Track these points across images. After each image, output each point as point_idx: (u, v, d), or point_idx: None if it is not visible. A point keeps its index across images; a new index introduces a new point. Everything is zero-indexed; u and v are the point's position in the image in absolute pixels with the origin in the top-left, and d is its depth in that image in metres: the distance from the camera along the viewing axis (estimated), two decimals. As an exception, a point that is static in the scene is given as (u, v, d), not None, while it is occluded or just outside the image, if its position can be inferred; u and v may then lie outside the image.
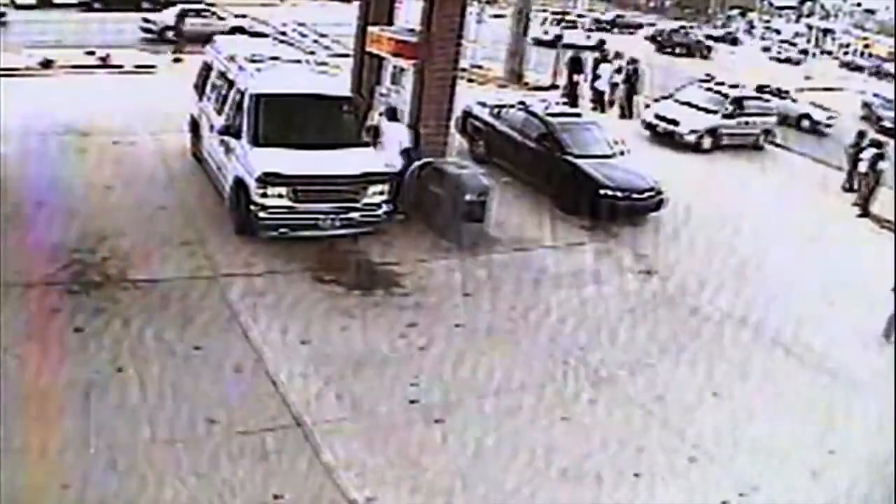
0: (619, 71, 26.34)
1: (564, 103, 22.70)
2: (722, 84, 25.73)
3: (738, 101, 23.82)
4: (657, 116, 23.14)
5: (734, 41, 58.25)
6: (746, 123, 23.63)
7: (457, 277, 12.21)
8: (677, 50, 47.63)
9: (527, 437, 8.66)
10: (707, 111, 23.08)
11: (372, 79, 15.57)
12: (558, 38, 38.38)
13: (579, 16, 49.70)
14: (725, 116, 23.05)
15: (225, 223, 12.74)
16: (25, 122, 16.12)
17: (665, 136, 22.35)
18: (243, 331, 9.93)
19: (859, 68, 53.42)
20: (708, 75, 38.64)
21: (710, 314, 12.06)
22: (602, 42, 39.55)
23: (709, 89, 24.86)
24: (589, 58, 27.87)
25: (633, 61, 27.54)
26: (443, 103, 14.13)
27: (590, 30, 46.04)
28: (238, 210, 12.45)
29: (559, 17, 46.83)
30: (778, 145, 24.95)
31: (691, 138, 22.30)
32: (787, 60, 52.67)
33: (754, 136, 24.02)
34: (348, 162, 12.69)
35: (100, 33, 27.43)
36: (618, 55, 28.23)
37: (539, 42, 37.87)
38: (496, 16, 38.22)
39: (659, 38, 49.07)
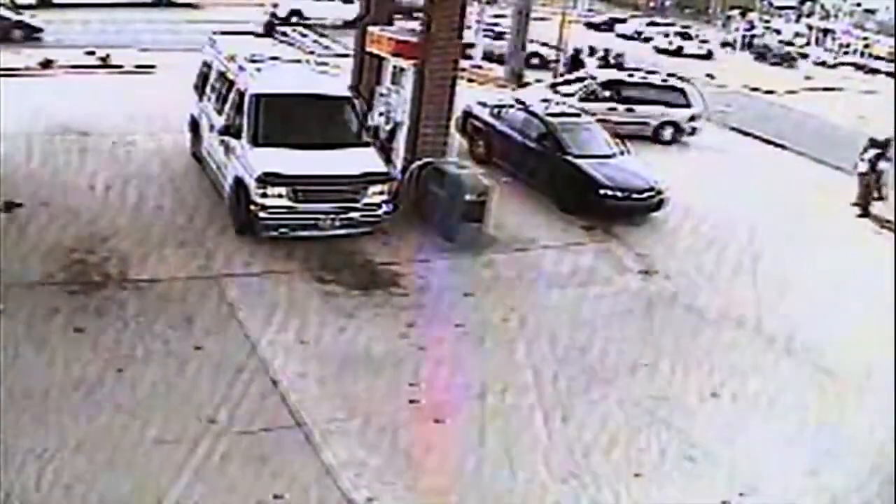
0: (606, 64, 26.88)
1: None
2: (618, 69, 24.39)
3: (610, 86, 21.96)
4: (515, 100, 20.74)
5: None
6: (628, 111, 21.43)
7: (457, 277, 12.20)
8: (772, 60, 51.03)
9: (526, 437, 8.66)
10: (565, 95, 21.36)
11: (372, 79, 15.56)
12: (680, 48, 46.66)
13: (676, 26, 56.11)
14: (582, 100, 20.98)
15: (225, 223, 12.74)
16: (25, 122, 16.12)
17: None
18: (243, 331, 9.93)
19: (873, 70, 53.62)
20: (708, 75, 38.91)
21: (710, 314, 12.06)
22: (710, 52, 45.10)
23: (593, 77, 23.02)
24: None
25: (619, 56, 28.22)
26: (443, 103, 14.12)
27: (704, 41, 51.61)
28: (238, 210, 12.45)
29: (680, 29, 54.06)
30: (748, 134, 24.44)
31: None
32: (822, 63, 53.99)
33: (650, 127, 21.72)
34: (348, 162, 12.69)
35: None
36: (607, 51, 29.01)
37: (662, 51, 45.91)
38: (496, 16, 38.32)
39: (758, 50, 53.84)
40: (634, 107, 21.76)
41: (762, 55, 52.33)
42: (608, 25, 54.84)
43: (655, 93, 22.60)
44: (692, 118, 22.64)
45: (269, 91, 12.99)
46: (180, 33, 27.77)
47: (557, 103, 19.28)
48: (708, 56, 48.55)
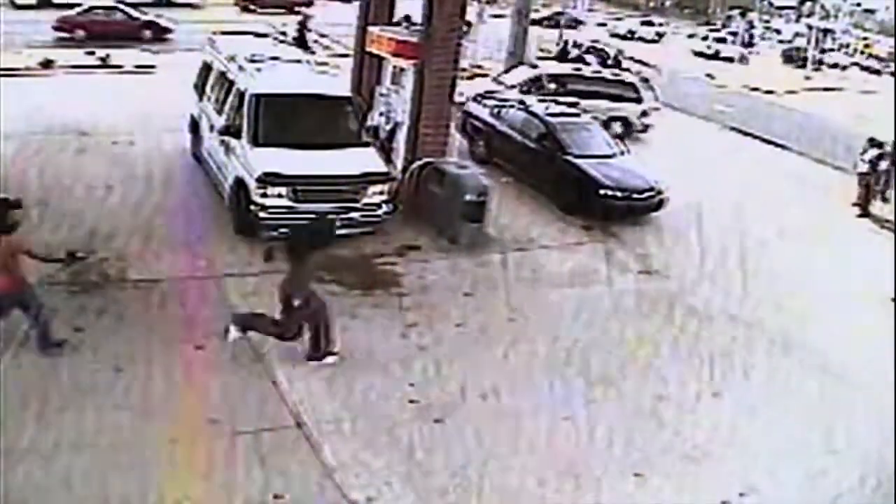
0: (604, 61, 27.98)
1: None
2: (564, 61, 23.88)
3: (556, 78, 21.47)
4: (488, 96, 20.30)
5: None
6: (572, 104, 19.83)
7: (457, 277, 12.21)
8: (801, 63, 51.73)
9: (527, 436, 8.65)
10: (510, 87, 21.03)
11: (372, 79, 15.57)
12: (718, 52, 48.87)
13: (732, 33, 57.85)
14: (524, 92, 20.49)
15: (225, 223, 12.74)
16: (25, 122, 16.15)
17: None
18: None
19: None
20: (708, 75, 39.06)
21: (710, 314, 12.05)
22: (744, 56, 49.23)
23: (534, 66, 22.57)
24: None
25: (619, 52, 28.58)
26: (443, 103, 14.12)
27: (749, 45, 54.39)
28: (238, 210, 12.45)
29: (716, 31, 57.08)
30: (748, 134, 24.42)
31: None
32: (835, 66, 54.73)
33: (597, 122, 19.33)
34: (348, 162, 12.70)
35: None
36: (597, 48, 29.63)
37: (699, 54, 48.25)
38: (496, 16, 38.37)
39: (789, 54, 54.83)
40: (580, 100, 20.72)
41: (791, 58, 52.70)
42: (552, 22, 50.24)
43: (603, 86, 21.90)
44: (643, 113, 21.92)
45: (269, 91, 13.00)
46: (180, 33, 27.76)
47: (495, 93, 18.92)
48: (742, 60, 49.44)
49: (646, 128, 22.05)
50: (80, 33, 28.06)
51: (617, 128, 21.22)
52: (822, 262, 14.45)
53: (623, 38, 51.54)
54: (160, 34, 29.25)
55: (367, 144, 13.51)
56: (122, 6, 29.74)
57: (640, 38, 52.99)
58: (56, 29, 28.82)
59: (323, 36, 33.35)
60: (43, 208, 12.48)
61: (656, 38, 54.96)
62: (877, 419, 9.58)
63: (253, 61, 13.94)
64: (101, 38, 25.94)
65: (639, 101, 22.11)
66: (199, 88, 15.44)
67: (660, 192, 15.57)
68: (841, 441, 9.18)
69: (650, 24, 58.15)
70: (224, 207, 13.09)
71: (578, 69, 23.31)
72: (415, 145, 14.16)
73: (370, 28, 15.33)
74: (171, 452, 7.66)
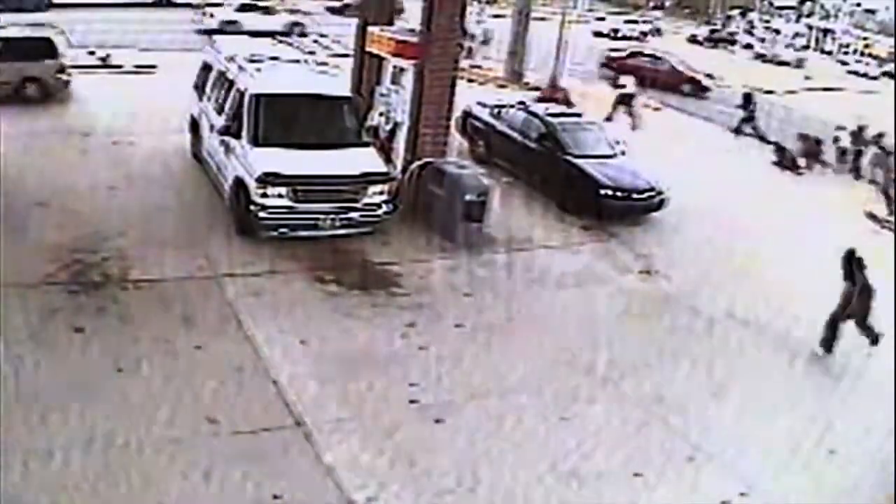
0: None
1: None
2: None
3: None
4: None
5: None
6: None
7: (457, 277, 12.22)
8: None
9: (527, 437, 8.66)
10: None
11: (372, 79, 15.57)
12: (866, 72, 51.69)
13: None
14: None
15: (225, 223, 12.75)
16: (25, 121, 16.13)
17: None
18: (243, 331, 9.94)
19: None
20: (708, 75, 39.03)
21: (710, 314, 12.04)
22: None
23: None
24: None
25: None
26: (443, 103, 14.12)
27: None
28: (238, 210, 12.46)
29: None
30: (748, 134, 24.63)
31: None
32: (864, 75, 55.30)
33: (10, 85, 18.16)
34: (348, 162, 12.71)
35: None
36: None
37: (855, 73, 50.91)
38: (496, 16, 38.41)
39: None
40: None
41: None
42: None
43: (15, 46, 18.74)
44: (61, 70, 19.36)
45: (269, 91, 13.00)
46: (180, 33, 27.74)
47: None
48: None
49: (66, 84, 19.52)
50: (630, 77, 27.00)
51: (32, 89, 18.83)
52: (822, 260, 14.41)
53: (607, 36, 51.56)
54: (699, 91, 31.51)
55: (367, 144, 13.51)
56: (666, 55, 32.35)
57: (624, 37, 52.73)
58: (603, 66, 32.61)
59: (323, 36, 33.40)
60: (44, 209, 12.52)
61: (640, 36, 55.00)
62: (876, 418, 9.58)
63: (253, 61, 13.95)
64: (647, 85, 27.20)
65: (54, 57, 19.19)
66: (199, 88, 15.44)
67: (660, 193, 15.56)
68: (841, 440, 9.18)
69: (635, 22, 58.35)
70: (224, 207, 13.09)
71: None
72: (415, 145, 14.17)
73: (370, 28, 15.33)
74: (171, 452, 7.67)
